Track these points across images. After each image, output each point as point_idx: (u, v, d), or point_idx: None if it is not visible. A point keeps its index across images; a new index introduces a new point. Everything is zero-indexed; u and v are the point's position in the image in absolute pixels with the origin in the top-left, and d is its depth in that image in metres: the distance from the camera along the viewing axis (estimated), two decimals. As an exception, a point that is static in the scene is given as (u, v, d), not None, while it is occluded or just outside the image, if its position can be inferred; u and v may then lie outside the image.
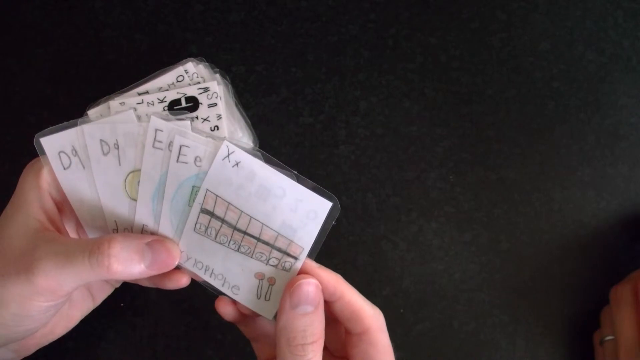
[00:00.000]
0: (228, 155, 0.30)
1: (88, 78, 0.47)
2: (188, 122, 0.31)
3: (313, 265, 0.31)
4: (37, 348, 0.35)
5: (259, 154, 0.31)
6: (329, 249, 0.44)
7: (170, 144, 0.31)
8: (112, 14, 0.48)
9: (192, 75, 0.35)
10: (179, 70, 0.35)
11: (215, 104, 0.34)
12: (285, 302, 0.30)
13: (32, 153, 0.34)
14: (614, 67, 0.47)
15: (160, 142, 0.31)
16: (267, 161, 0.31)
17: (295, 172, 0.30)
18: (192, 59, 0.35)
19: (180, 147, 0.31)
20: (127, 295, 0.42)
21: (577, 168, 0.45)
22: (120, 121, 0.32)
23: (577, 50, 0.48)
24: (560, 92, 0.47)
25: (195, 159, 0.31)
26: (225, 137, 0.31)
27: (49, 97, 0.47)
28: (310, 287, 0.30)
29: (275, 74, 0.47)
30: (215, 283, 0.33)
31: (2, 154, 0.45)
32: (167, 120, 0.31)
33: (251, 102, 0.46)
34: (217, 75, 0.35)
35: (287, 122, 0.46)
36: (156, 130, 0.31)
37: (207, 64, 0.35)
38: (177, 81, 0.34)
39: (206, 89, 0.34)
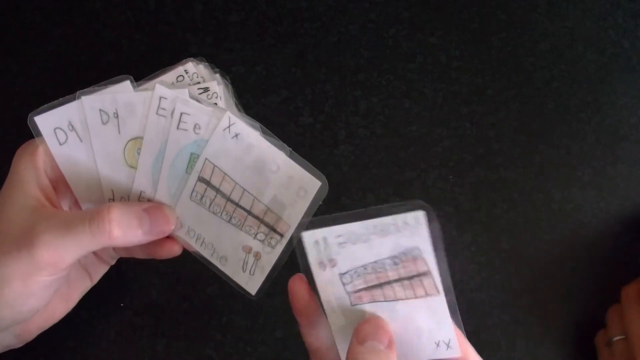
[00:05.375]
0: (229, 127, 0.31)
1: (88, 78, 0.47)
2: (186, 90, 0.32)
3: None
4: (39, 332, 0.35)
5: (258, 126, 0.31)
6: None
7: (173, 112, 0.32)
8: (112, 14, 0.48)
9: (192, 75, 0.35)
10: (179, 70, 0.35)
11: (215, 104, 0.34)
12: (353, 341, 0.28)
13: (32, 153, 0.34)
14: (614, 67, 0.47)
15: (164, 109, 0.32)
16: (265, 135, 0.31)
17: (290, 148, 0.31)
18: (192, 59, 0.35)
19: (181, 114, 0.31)
20: (127, 295, 0.42)
21: (577, 168, 0.45)
22: (118, 91, 0.32)
23: (577, 50, 0.48)
24: (560, 92, 0.47)
25: (195, 127, 0.31)
26: (226, 109, 0.31)
27: (49, 97, 0.46)
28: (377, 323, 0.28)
29: (275, 74, 0.47)
30: (205, 253, 0.34)
31: (2, 154, 0.45)
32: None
33: (251, 102, 0.46)
34: (217, 75, 0.35)
35: (287, 122, 0.46)
36: (160, 97, 0.32)
37: (207, 64, 0.35)
38: (177, 81, 0.34)
39: (206, 89, 0.34)
